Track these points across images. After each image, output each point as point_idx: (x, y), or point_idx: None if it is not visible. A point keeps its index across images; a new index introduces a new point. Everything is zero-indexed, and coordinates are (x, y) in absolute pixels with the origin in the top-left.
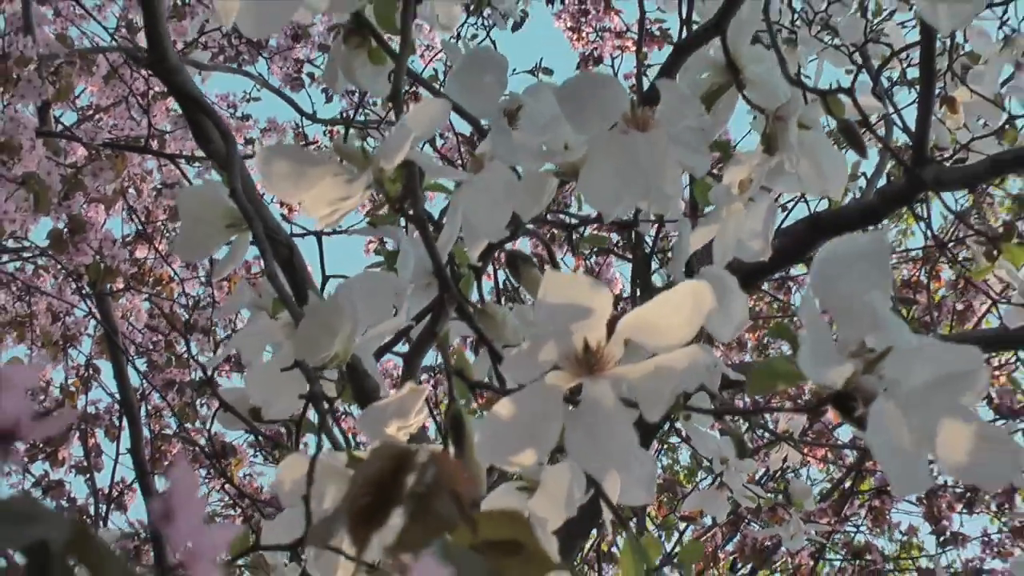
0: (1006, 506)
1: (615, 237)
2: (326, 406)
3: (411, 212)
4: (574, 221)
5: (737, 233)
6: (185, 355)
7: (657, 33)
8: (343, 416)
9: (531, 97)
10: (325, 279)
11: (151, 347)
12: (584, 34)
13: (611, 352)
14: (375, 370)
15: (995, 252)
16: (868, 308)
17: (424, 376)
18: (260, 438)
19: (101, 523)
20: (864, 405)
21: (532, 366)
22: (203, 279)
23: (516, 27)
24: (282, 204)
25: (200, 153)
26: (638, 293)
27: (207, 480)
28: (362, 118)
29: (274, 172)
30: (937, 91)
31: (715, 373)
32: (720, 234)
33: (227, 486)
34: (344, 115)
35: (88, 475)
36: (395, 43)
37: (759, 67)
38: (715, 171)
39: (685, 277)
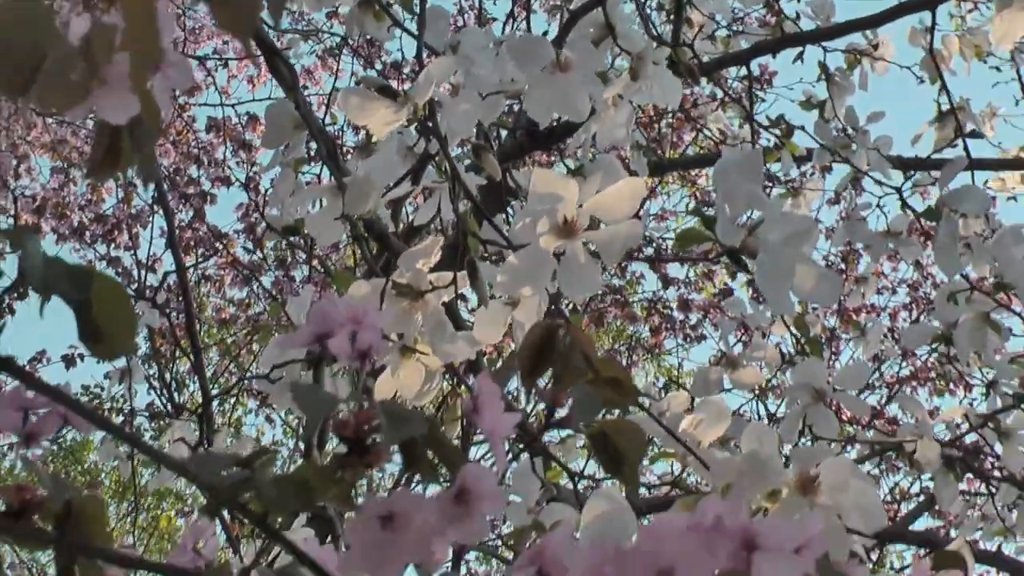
0: (703, 261)
1: None
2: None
3: (431, 127)
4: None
5: (610, 127)
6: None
7: None
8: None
9: (464, 36)
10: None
11: (173, 172)
12: None
13: (581, 222)
14: (386, 216)
15: (782, 145)
16: (748, 193)
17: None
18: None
19: (142, 279)
20: (748, 256)
21: (530, 233)
22: (204, 131)
23: None
24: None
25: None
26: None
27: (207, 254)
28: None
29: (350, 104)
30: None
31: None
32: (600, 128)
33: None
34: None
35: (132, 251)
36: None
37: (626, 26)
38: None
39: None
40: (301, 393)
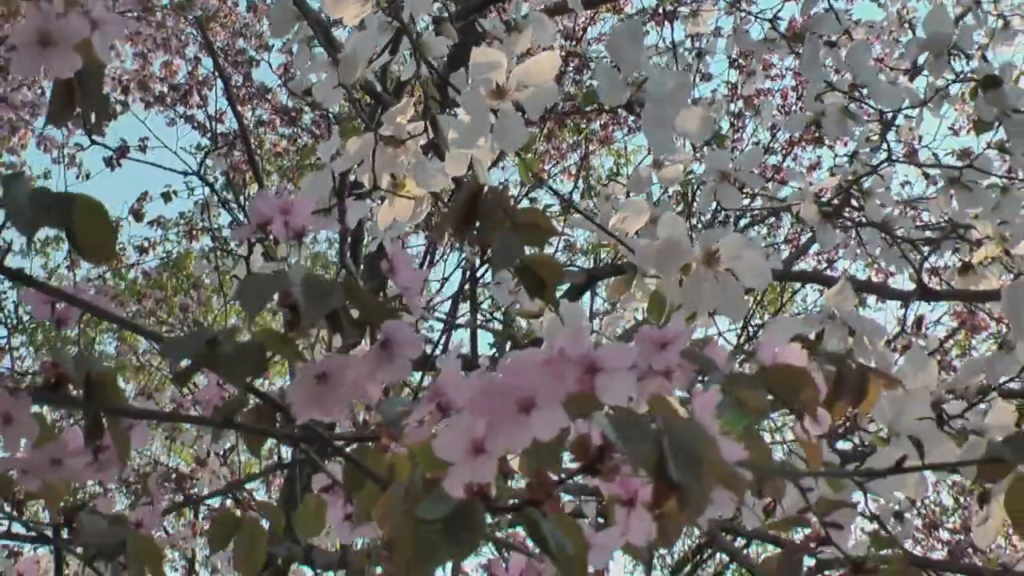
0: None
1: None
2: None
3: (395, 11)
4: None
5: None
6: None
7: None
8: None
9: None
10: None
11: (225, 46)
12: None
13: (511, 86)
14: (374, 80)
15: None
16: (633, 59)
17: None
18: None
19: (214, 128)
20: (639, 108)
21: (475, 99)
22: (244, 11)
23: None
24: None
25: None
26: None
27: (247, 101)
28: None
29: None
30: None
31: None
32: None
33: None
34: None
35: (203, 108)
36: None
37: None
38: None
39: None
40: (241, 288)
